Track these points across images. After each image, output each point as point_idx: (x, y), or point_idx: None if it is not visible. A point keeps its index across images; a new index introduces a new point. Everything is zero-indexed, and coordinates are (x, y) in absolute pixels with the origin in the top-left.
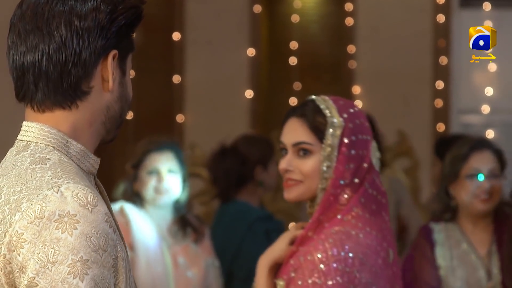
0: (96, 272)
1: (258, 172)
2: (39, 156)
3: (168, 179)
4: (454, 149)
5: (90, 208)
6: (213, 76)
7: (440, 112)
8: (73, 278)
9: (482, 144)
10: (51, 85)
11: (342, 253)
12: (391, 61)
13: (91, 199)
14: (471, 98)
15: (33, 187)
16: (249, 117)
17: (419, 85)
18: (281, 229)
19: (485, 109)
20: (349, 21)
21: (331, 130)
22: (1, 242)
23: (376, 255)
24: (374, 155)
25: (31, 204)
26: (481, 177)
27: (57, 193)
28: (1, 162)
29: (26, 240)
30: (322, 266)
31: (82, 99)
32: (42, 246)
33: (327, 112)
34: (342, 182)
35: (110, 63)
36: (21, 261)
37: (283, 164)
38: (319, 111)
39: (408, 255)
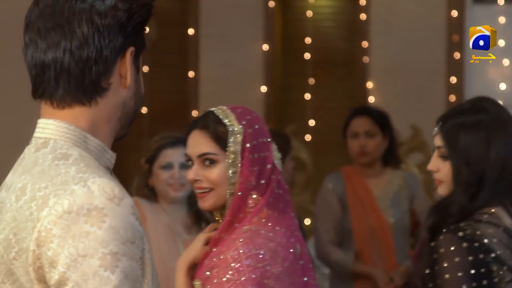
0: (125, 264)
1: None
2: (60, 152)
3: (182, 173)
4: None
5: (117, 201)
6: (227, 71)
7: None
8: (104, 271)
9: None
10: (73, 82)
11: (253, 250)
12: (405, 56)
13: (117, 192)
14: (485, 93)
15: (59, 182)
16: (263, 112)
17: (433, 80)
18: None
19: None
20: (363, 16)
21: (232, 137)
22: (30, 238)
23: (287, 250)
24: (276, 156)
25: (59, 199)
26: None
27: (84, 187)
28: (20, 160)
29: (56, 235)
30: (234, 264)
31: (102, 96)
32: (71, 241)
33: (226, 121)
34: (248, 185)
35: (128, 60)
36: (51, 256)
37: (190, 174)
38: (219, 121)
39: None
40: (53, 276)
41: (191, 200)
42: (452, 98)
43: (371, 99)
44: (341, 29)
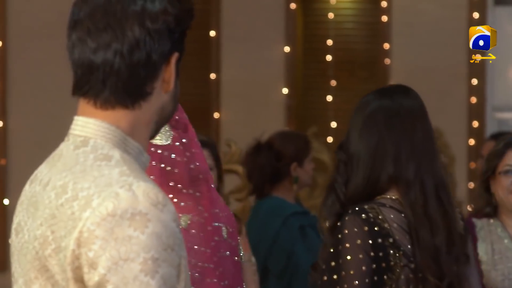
0: (165, 270)
1: (293, 168)
2: (102, 153)
3: None
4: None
5: (160, 208)
6: (249, 73)
7: (475, 109)
8: (145, 276)
9: None
10: (120, 84)
11: None
12: (426, 58)
13: (162, 199)
14: (506, 94)
15: (102, 184)
16: (284, 114)
17: (454, 81)
18: (316, 224)
19: None
20: (384, 18)
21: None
22: (70, 237)
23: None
24: None
25: (103, 201)
26: None
27: (129, 191)
28: (56, 156)
29: (98, 237)
30: None
31: (145, 100)
32: (114, 243)
33: None
34: None
35: (173, 66)
36: (92, 258)
37: None
38: None
39: None
40: (93, 278)
41: None
42: (473, 100)
43: None
44: (363, 31)
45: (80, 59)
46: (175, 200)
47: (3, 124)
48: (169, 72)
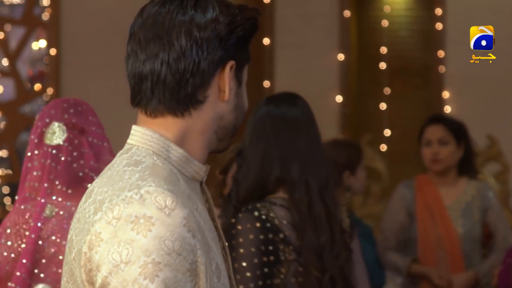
0: (168, 275)
1: (345, 176)
2: (135, 159)
3: None
4: None
5: (167, 212)
6: (303, 81)
7: None
8: (143, 279)
9: None
10: (168, 93)
11: None
12: (481, 66)
13: (169, 203)
14: None
15: (117, 188)
16: (338, 122)
17: (509, 89)
18: (368, 233)
19: None
20: (439, 25)
21: None
22: (84, 240)
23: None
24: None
25: (111, 205)
26: None
27: (137, 195)
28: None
29: (103, 240)
30: None
31: (196, 108)
32: (117, 246)
33: None
34: None
35: (227, 74)
36: (97, 260)
37: None
38: None
39: (504, 263)
40: (98, 280)
41: None
42: None
43: (447, 109)
44: (417, 38)
45: (133, 70)
46: (49, 191)
47: None
48: (224, 81)
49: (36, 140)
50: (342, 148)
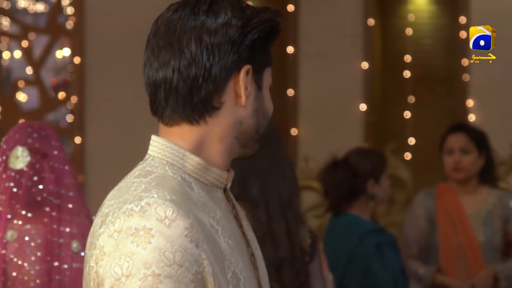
0: (169, 286)
1: (369, 185)
2: (147, 169)
3: None
4: None
5: (167, 223)
6: (327, 89)
7: None
8: None
9: None
10: (181, 101)
11: None
12: (506, 74)
13: (170, 213)
14: None
15: (122, 200)
16: (362, 130)
17: None
18: (393, 242)
19: None
20: (463, 33)
21: None
22: (91, 254)
23: None
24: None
25: (113, 218)
26: None
27: (137, 207)
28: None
29: (106, 253)
30: None
31: (212, 114)
32: (118, 259)
33: None
34: None
35: (242, 78)
36: (102, 274)
37: None
38: None
39: None
40: None
41: None
42: None
43: (471, 117)
44: (441, 46)
45: (148, 79)
46: (9, 216)
47: (81, 141)
48: (239, 86)
49: (3, 164)
50: (366, 157)
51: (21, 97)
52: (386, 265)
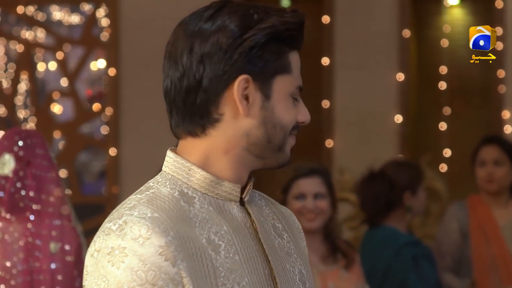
0: None
1: (406, 197)
2: (150, 185)
3: (316, 204)
4: None
5: (141, 241)
6: (362, 101)
7: None
8: None
9: None
10: (180, 113)
11: None
12: None
13: (144, 232)
14: None
15: (110, 218)
16: (398, 142)
17: None
18: (429, 254)
19: None
20: (499, 45)
21: None
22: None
23: None
24: None
25: (96, 237)
26: None
27: (115, 225)
28: None
29: (88, 273)
30: None
31: (213, 127)
32: (96, 279)
33: None
34: None
35: (236, 89)
36: None
37: None
38: None
39: None
40: None
41: (327, 230)
42: None
43: (507, 129)
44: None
45: (163, 92)
46: None
47: (116, 153)
48: (234, 96)
49: None
50: (403, 169)
51: (56, 108)
52: (422, 278)
